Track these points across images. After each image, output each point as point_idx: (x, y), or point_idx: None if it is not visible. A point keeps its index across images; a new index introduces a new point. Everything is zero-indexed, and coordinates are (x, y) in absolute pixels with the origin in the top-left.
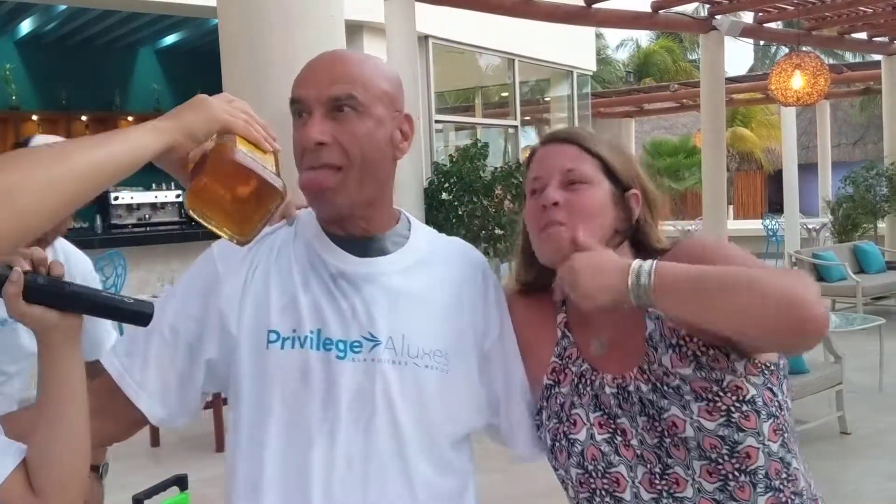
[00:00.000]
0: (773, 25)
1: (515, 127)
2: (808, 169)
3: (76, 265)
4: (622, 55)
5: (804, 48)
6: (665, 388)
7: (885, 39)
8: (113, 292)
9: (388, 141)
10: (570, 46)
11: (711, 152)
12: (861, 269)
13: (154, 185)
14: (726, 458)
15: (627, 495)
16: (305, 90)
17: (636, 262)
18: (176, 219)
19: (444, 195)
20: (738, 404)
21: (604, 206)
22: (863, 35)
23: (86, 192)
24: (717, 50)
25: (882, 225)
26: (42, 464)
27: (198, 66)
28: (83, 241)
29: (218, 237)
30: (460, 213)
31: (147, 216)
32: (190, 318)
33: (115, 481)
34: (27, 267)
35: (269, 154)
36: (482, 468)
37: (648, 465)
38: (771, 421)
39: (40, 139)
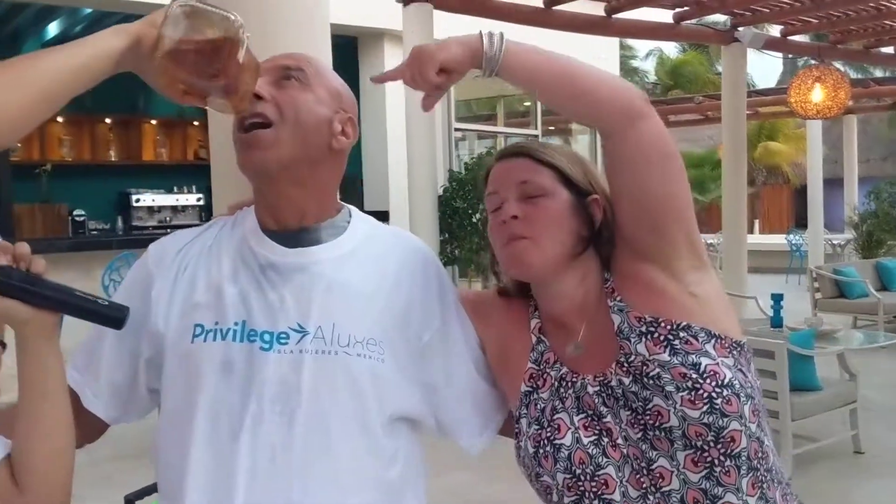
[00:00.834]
0: (799, 38)
1: (536, 136)
2: (836, 184)
3: None
4: (649, 65)
5: (828, 61)
6: (646, 378)
7: None
8: (87, 293)
9: (325, 121)
10: (593, 56)
11: (732, 165)
12: (883, 287)
13: (175, 189)
14: (712, 444)
15: (616, 496)
16: (263, 64)
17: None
18: (196, 222)
19: (459, 202)
20: (718, 389)
21: (563, 215)
22: (890, 49)
23: (56, 90)
24: (739, 62)
25: None
26: (22, 459)
27: None
28: (102, 241)
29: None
30: (474, 220)
31: (168, 218)
32: (130, 321)
33: (109, 480)
34: (3, 262)
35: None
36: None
37: (634, 463)
38: (749, 402)
39: None
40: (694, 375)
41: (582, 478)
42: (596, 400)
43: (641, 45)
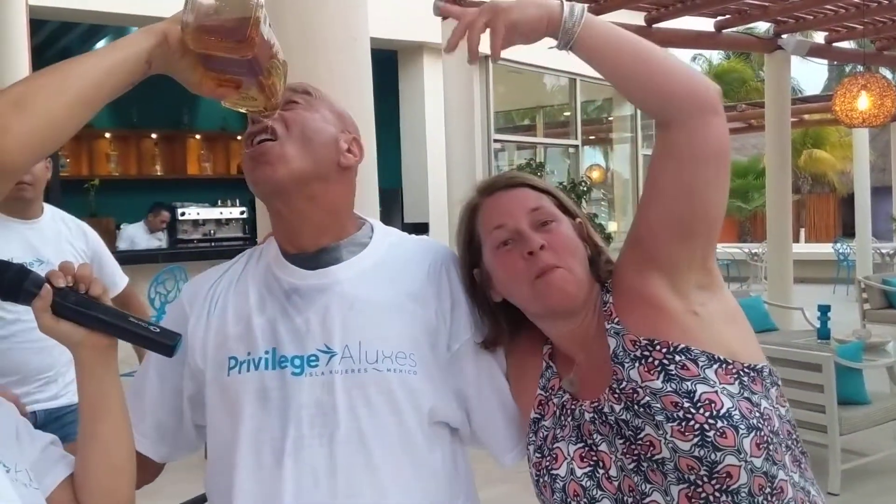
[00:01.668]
0: (843, 45)
1: (577, 146)
2: (883, 192)
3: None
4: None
5: (875, 68)
6: (637, 406)
7: None
8: (141, 319)
9: (332, 138)
10: None
11: (776, 174)
12: None
13: (219, 202)
14: (705, 479)
15: None
16: None
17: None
18: (240, 234)
19: None
20: (711, 421)
21: (576, 239)
22: None
23: (92, 94)
24: (782, 70)
25: None
26: (82, 478)
27: None
28: (147, 255)
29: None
30: None
31: (212, 231)
32: (170, 360)
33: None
34: (62, 283)
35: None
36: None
37: (628, 496)
38: (753, 435)
39: None
40: (686, 404)
41: None
42: (591, 427)
43: (684, 53)
